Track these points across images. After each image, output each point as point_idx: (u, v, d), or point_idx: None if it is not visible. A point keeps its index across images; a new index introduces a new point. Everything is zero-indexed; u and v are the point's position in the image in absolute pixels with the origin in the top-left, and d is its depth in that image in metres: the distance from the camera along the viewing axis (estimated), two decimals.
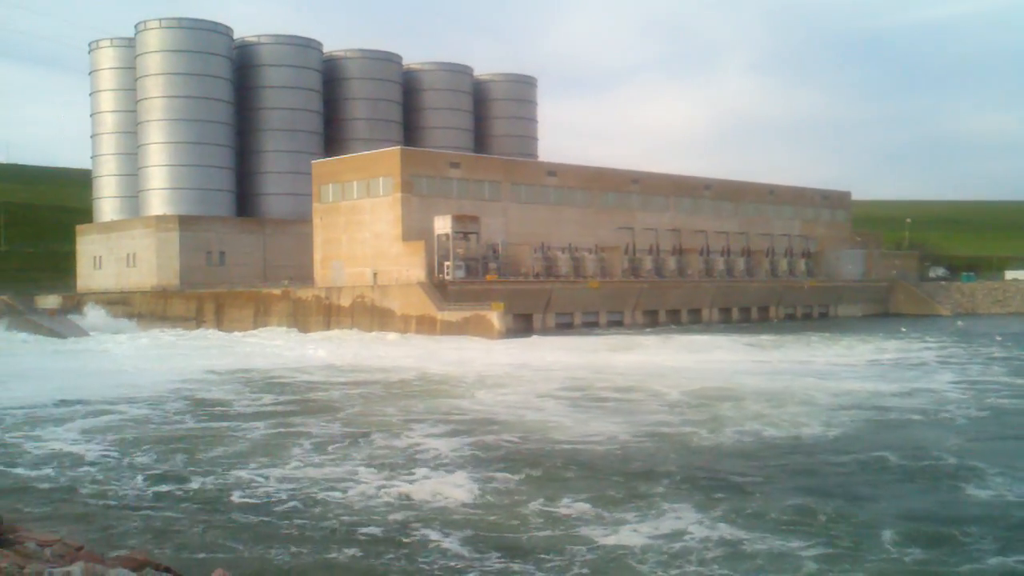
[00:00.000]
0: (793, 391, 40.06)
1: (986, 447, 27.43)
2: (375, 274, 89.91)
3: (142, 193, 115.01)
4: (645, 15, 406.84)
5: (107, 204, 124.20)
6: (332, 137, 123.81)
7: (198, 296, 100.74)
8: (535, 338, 76.95)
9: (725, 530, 18.46)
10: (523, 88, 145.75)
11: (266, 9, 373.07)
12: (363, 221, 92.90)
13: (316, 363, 57.78)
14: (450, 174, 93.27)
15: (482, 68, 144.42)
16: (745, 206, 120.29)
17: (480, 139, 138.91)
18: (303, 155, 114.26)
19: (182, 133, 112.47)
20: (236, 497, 21.43)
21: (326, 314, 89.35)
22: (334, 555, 17.22)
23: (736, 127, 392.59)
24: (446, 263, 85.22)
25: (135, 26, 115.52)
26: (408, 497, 21.23)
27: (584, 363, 54.92)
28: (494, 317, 76.92)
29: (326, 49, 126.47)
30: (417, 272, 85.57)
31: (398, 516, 19.67)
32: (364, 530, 18.69)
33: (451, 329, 77.80)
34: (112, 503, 20.96)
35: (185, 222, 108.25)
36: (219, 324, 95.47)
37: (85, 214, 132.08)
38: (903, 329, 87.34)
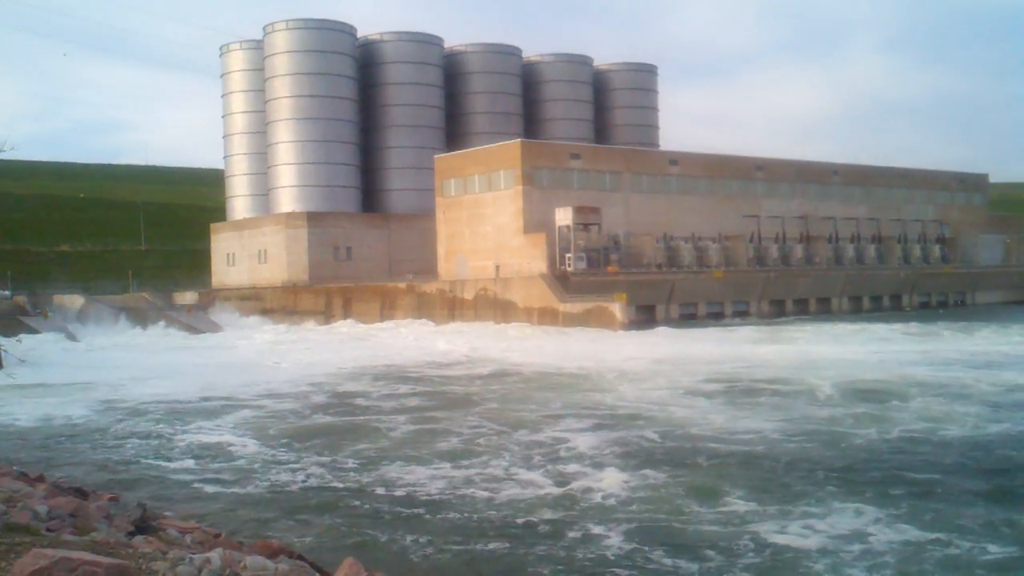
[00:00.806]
0: (965, 383, 37.73)
1: None
2: (497, 267, 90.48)
3: (272, 191, 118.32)
4: None
5: (239, 203, 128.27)
6: (454, 132, 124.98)
7: (326, 291, 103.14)
8: (663, 329, 75.51)
9: (910, 532, 17.33)
10: (643, 77, 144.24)
11: (389, 6, 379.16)
12: (485, 214, 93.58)
13: (447, 356, 57.98)
14: (571, 165, 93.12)
15: (602, 57, 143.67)
16: (875, 191, 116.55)
17: (600, 129, 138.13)
18: (426, 150, 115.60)
19: (309, 132, 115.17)
20: (378, 490, 21.40)
21: (450, 307, 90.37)
22: (480, 547, 16.94)
23: (865, 110, 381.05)
24: (567, 255, 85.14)
25: (263, 28, 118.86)
26: (560, 492, 20.76)
27: (726, 355, 52.80)
28: (616, 309, 76.50)
29: (447, 44, 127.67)
30: (539, 264, 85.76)
31: (551, 511, 19.24)
32: (516, 524, 18.36)
33: (573, 321, 77.70)
34: (252, 493, 21.37)
35: (313, 219, 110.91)
36: (346, 318, 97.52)
37: (219, 212, 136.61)
38: None
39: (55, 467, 23.84)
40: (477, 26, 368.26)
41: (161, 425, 31.63)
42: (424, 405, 35.78)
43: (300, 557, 13.30)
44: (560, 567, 15.87)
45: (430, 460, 24.65)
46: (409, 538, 17.48)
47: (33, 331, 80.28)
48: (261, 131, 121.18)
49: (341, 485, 22.00)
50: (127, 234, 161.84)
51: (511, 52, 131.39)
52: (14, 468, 19.10)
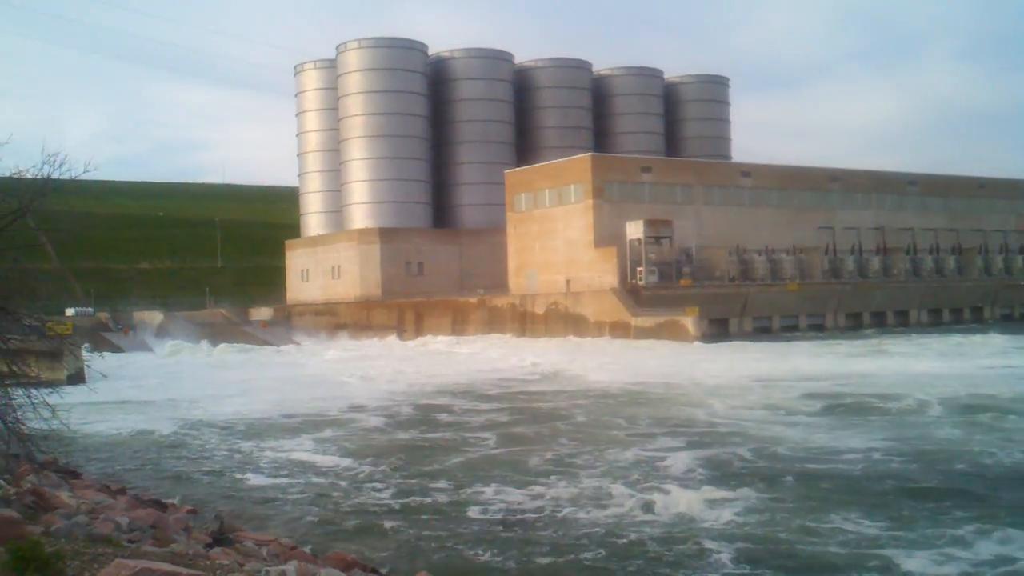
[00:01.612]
0: None
1: None
2: (568, 281, 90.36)
3: (345, 208, 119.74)
4: (841, 7, 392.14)
5: (313, 219, 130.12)
6: (524, 146, 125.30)
7: (399, 306, 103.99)
8: (739, 343, 74.15)
9: None
10: (715, 88, 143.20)
11: (459, 23, 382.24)
12: (555, 229, 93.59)
13: (524, 370, 57.49)
14: (641, 179, 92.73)
15: (672, 70, 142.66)
16: (954, 201, 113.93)
17: (671, 142, 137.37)
18: (496, 165, 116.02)
19: (382, 149, 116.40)
20: (463, 507, 20.82)
21: (520, 321, 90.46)
22: (572, 566, 16.35)
23: (941, 118, 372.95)
24: (639, 268, 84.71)
25: (336, 47, 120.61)
26: (659, 512, 19.88)
27: (821, 370, 51.09)
28: (689, 322, 75.84)
29: (517, 60, 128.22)
30: (609, 278, 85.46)
31: (651, 531, 18.38)
32: (612, 544, 17.57)
33: (644, 335, 77.19)
34: (331, 508, 21.14)
35: (386, 234, 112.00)
36: (419, 332, 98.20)
37: (293, 229, 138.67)
38: None
39: (137, 481, 24.27)
40: (547, 41, 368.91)
41: (241, 441, 31.79)
42: (509, 421, 35.12)
43: (374, 570, 13.38)
44: None
45: (518, 477, 23.97)
46: (494, 556, 17.08)
47: (115, 347, 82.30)
48: (335, 149, 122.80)
49: (424, 501, 21.61)
50: (204, 251, 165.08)
51: (581, 66, 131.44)
52: (98, 481, 19.54)
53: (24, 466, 15.12)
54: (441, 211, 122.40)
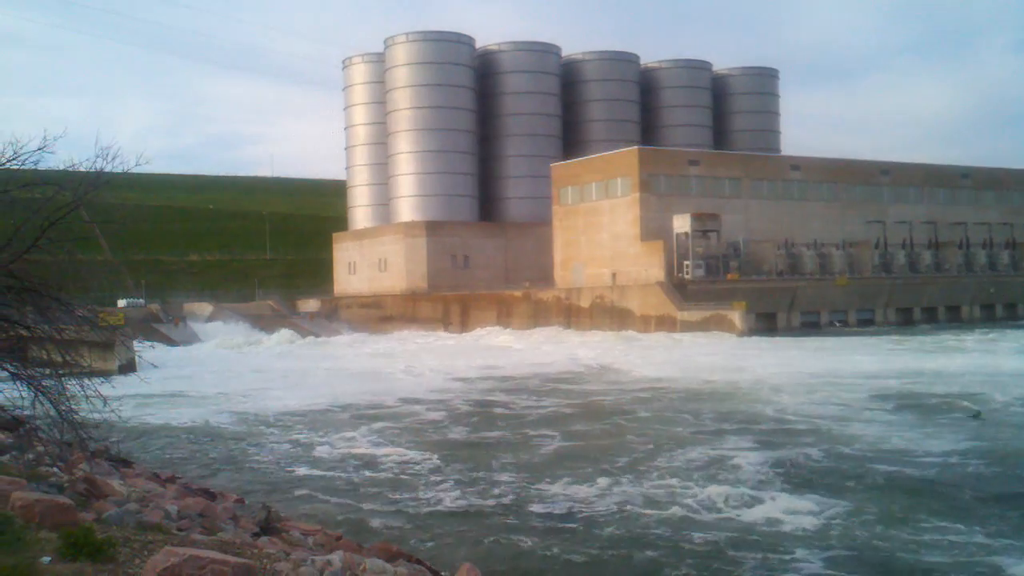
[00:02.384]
0: None
1: None
2: (613, 275, 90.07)
3: (392, 201, 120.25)
4: None
5: (360, 212, 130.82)
6: (570, 140, 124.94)
7: (444, 299, 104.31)
8: (794, 338, 73.10)
9: None
10: (764, 81, 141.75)
11: (506, 16, 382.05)
12: (601, 222, 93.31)
13: (575, 364, 57.06)
14: (688, 172, 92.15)
15: (721, 62, 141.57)
16: (1009, 195, 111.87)
17: (720, 135, 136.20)
18: (542, 159, 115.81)
19: (429, 142, 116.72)
20: (524, 503, 20.40)
21: (566, 315, 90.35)
22: (640, 563, 15.98)
23: (996, 112, 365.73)
24: (685, 262, 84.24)
25: (384, 41, 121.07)
26: (733, 512, 19.27)
27: (886, 367, 49.61)
28: (736, 316, 75.31)
29: (564, 53, 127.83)
30: (656, 272, 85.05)
31: (727, 532, 17.76)
32: (682, 546, 16.95)
33: (691, 329, 76.74)
34: (382, 501, 21.00)
35: (432, 228, 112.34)
36: (464, 326, 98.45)
37: (340, 222, 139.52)
38: None
39: (185, 470, 24.56)
40: (595, 33, 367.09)
41: (291, 433, 31.86)
42: (568, 416, 34.50)
43: (419, 561, 13.45)
44: None
45: (582, 474, 23.36)
46: (551, 550, 16.72)
47: (165, 337, 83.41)
48: (382, 142, 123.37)
49: (485, 496, 21.29)
50: (253, 244, 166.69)
51: (628, 59, 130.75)
52: (148, 470, 19.84)
53: (77, 454, 15.40)
54: (487, 204, 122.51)
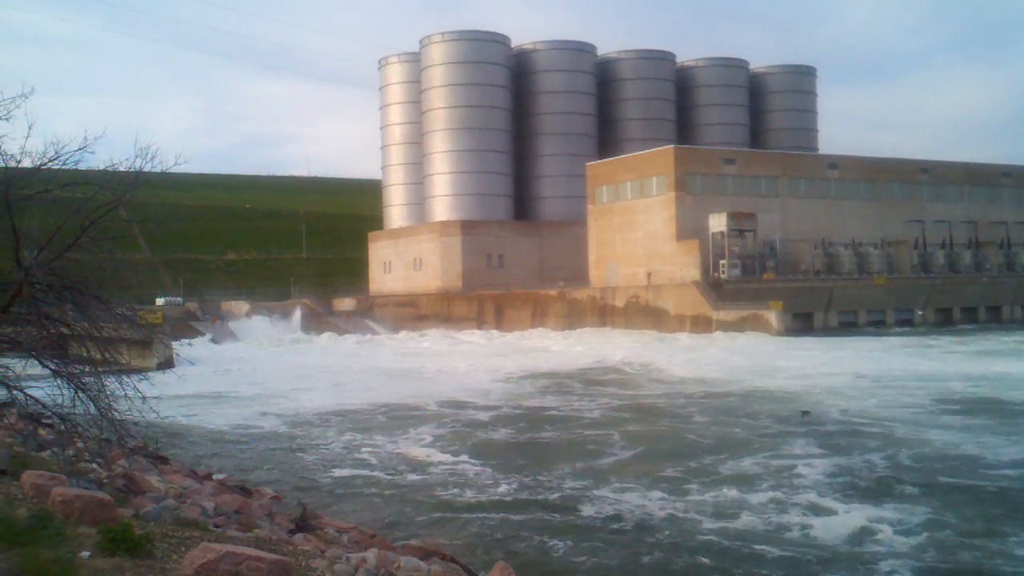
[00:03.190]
0: None
1: None
2: (648, 274, 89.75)
3: (427, 200, 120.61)
4: None
5: (395, 211, 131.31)
6: (605, 139, 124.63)
7: (479, 298, 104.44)
8: (836, 339, 72.02)
9: None
10: (801, 79, 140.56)
11: (542, 15, 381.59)
12: (636, 221, 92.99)
13: (615, 364, 56.62)
14: (724, 171, 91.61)
15: (758, 60, 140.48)
16: None
17: (756, 133, 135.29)
18: (577, 158, 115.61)
19: (464, 141, 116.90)
20: (580, 508, 19.88)
21: (600, 314, 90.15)
22: (680, 569, 15.56)
23: None
24: (721, 262, 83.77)
25: (420, 41, 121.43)
26: (804, 521, 18.42)
27: (943, 370, 47.75)
28: (772, 316, 74.79)
29: (599, 51, 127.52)
30: (691, 271, 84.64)
31: (801, 545, 16.96)
32: (757, 557, 16.20)
33: (726, 328, 76.26)
34: (419, 501, 20.84)
35: (467, 227, 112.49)
36: (498, 324, 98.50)
37: (376, 221, 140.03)
38: None
39: (222, 467, 24.71)
40: (630, 32, 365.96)
41: (328, 432, 31.83)
42: (620, 418, 33.63)
43: (452, 559, 13.46)
44: None
45: (636, 479, 22.69)
46: (600, 556, 16.39)
47: (203, 335, 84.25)
48: (417, 141, 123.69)
49: (533, 497, 20.86)
50: (289, 243, 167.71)
51: (664, 57, 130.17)
52: (185, 466, 20.03)
53: (116, 451, 15.58)
54: (522, 203, 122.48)
